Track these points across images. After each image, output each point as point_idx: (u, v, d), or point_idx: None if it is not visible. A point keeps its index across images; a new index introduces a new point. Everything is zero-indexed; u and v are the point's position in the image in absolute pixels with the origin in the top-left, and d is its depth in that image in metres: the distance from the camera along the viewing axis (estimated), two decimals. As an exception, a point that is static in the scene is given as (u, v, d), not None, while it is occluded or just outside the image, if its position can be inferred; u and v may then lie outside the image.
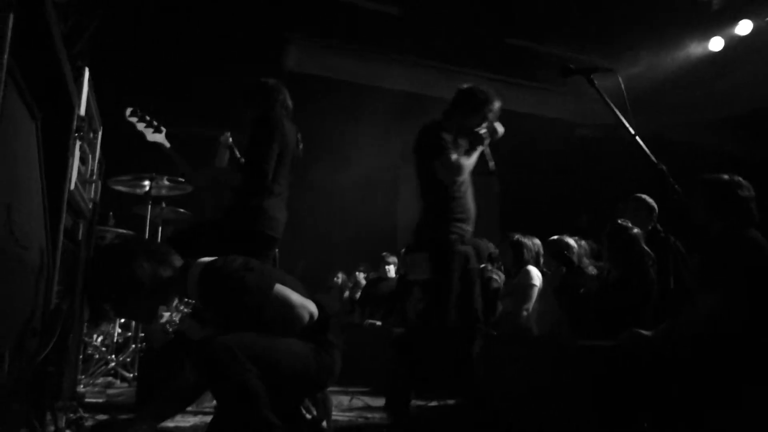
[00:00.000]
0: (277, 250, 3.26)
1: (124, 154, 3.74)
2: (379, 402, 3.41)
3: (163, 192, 4.52)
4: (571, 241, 4.03)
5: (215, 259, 2.14)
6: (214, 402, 2.26)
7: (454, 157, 3.02)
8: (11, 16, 1.26)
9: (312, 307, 2.13)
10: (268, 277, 2.11)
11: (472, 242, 3.23)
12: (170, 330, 3.64)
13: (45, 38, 1.61)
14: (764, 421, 2.24)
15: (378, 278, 6.40)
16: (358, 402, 3.78)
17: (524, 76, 6.93)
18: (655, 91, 6.58)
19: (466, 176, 3.13)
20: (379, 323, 5.56)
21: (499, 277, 4.72)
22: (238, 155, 3.34)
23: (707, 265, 2.65)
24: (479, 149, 3.16)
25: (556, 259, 3.98)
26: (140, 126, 3.11)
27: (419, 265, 3.11)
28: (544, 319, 3.94)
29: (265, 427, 1.87)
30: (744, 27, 6.29)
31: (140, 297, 2.10)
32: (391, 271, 6.30)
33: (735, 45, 6.44)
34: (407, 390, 3.11)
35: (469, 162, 3.09)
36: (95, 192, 2.63)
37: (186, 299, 2.75)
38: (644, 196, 4.15)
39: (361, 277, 6.95)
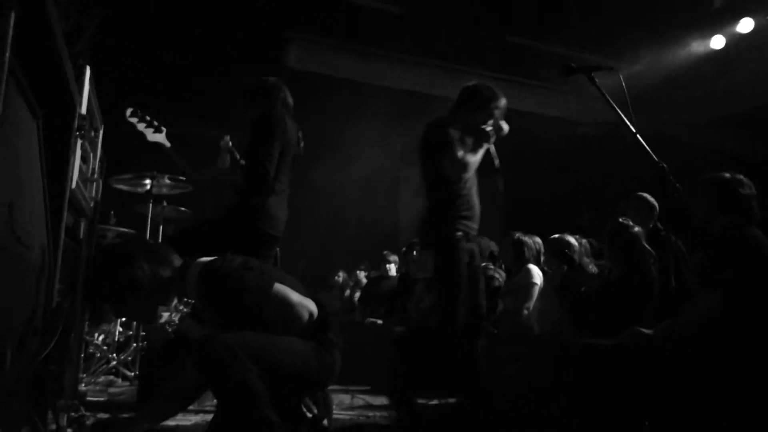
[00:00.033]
0: (278, 248, 3.26)
1: (126, 153, 3.74)
2: (380, 401, 3.41)
3: (164, 191, 4.52)
4: (572, 240, 4.03)
5: (214, 259, 2.14)
6: (215, 401, 2.26)
7: (460, 153, 3.02)
8: (12, 15, 1.26)
9: (311, 305, 2.13)
10: (268, 276, 2.11)
11: (475, 240, 3.23)
12: (170, 330, 3.64)
13: (46, 37, 1.61)
14: (764, 420, 2.24)
15: (379, 277, 6.40)
16: (359, 401, 3.78)
17: (525, 75, 6.91)
18: (657, 89, 6.57)
19: (471, 173, 3.13)
20: (380, 322, 5.55)
21: (500, 275, 4.71)
22: (239, 158, 3.34)
23: (708, 263, 2.65)
24: (485, 146, 3.16)
25: (557, 257, 3.98)
26: (140, 126, 3.10)
27: (424, 262, 3.10)
28: (545, 317, 3.94)
29: (266, 425, 1.87)
30: (745, 25, 6.27)
31: (140, 298, 2.10)
32: (392, 269, 6.30)
33: (736, 43, 6.42)
34: (408, 388, 3.10)
35: (475, 159, 3.09)
36: (96, 190, 2.63)
37: (185, 299, 2.75)
38: (645, 194, 4.15)
39: (361, 275, 6.95)
